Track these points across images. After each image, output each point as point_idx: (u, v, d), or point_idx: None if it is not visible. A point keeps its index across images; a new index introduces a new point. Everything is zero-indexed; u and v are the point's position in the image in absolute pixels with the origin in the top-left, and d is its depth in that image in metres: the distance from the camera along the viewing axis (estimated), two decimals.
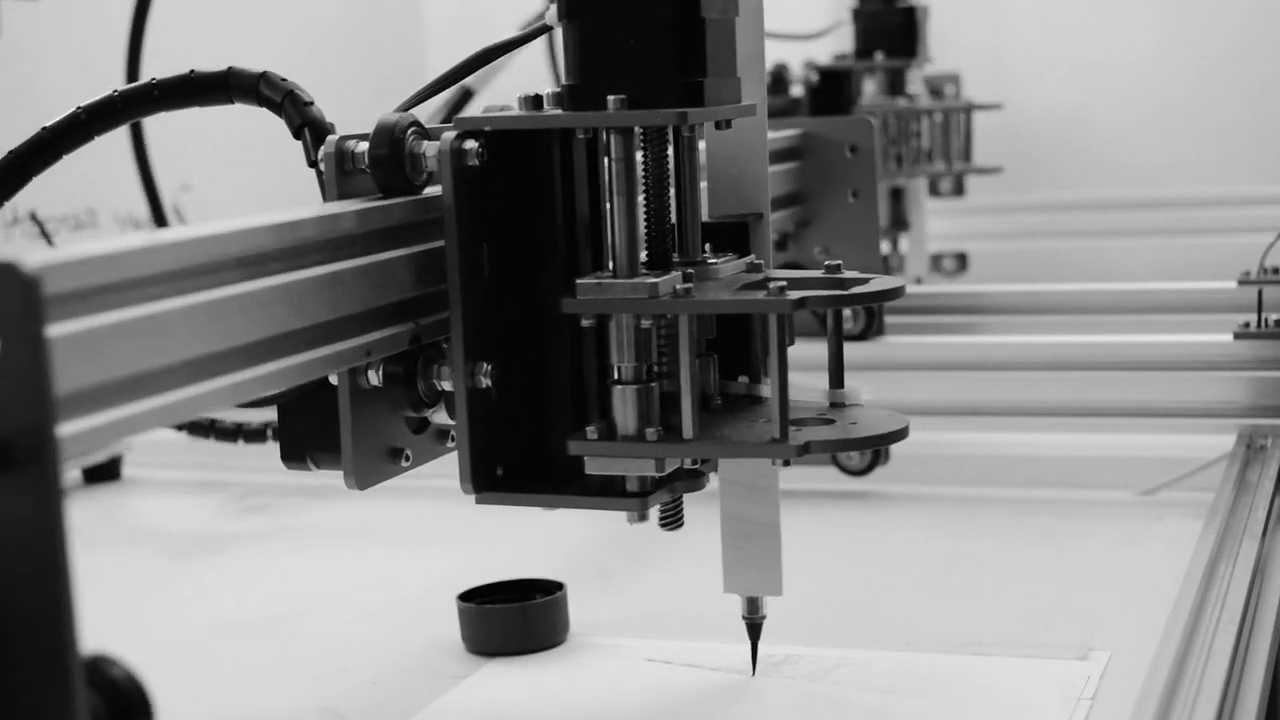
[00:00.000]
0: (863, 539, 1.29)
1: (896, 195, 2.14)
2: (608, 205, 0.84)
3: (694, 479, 0.86)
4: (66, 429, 0.57)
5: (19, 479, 0.52)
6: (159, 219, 1.65)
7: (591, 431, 0.80)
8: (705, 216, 0.91)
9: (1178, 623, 0.91)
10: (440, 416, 0.86)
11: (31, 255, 0.54)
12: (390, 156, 0.83)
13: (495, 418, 0.83)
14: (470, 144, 0.80)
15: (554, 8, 0.82)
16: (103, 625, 0.62)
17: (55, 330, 0.57)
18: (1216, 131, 2.56)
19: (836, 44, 2.36)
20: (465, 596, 1.06)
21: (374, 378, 0.82)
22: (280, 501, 1.49)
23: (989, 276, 2.23)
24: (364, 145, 0.84)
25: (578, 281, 0.80)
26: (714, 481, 0.92)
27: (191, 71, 0.91)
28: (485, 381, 0.81)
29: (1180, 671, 0.85)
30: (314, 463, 0.85)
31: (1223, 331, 1.39)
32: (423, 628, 1.09)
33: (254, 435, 1.37)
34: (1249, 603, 0.97)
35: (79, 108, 0.94)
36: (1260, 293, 1.41)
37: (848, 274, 0.83)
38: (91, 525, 1.42)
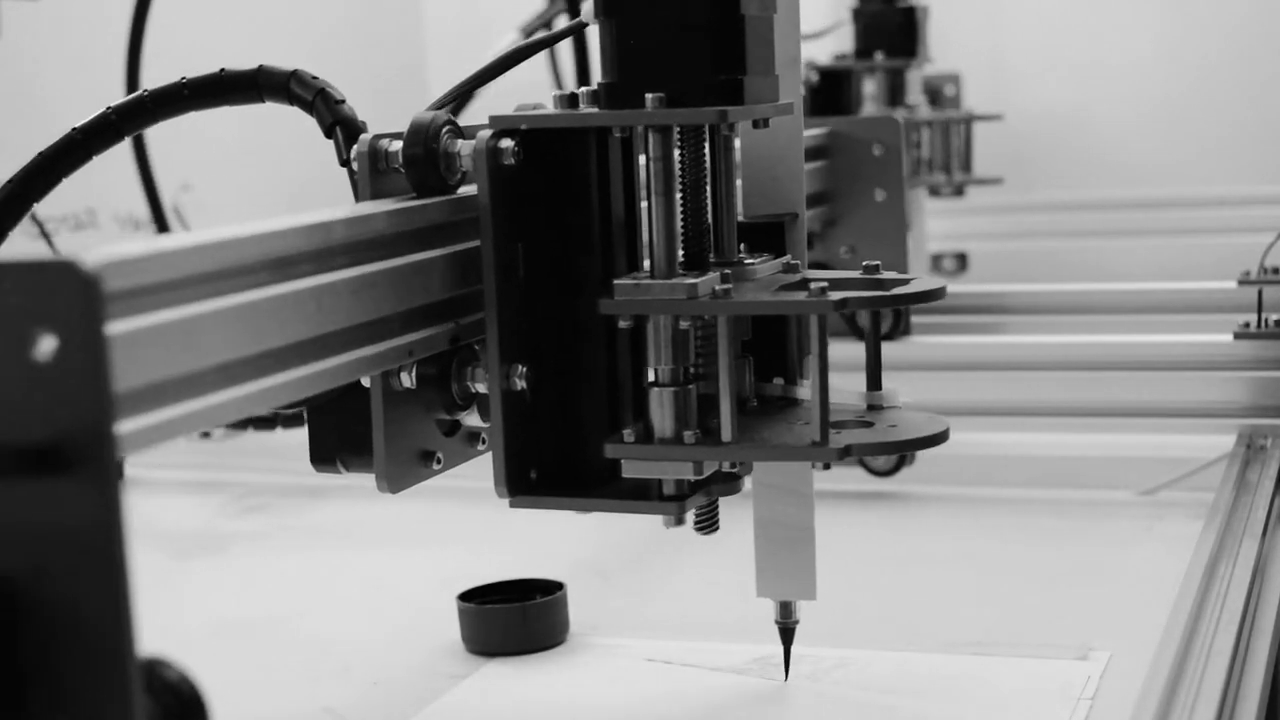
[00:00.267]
0: (861, 539, 1.29)
1: None
2: (643, 205, 0.83)
3: (730, 482, 0.84)
4: (122, 429, 0.57)
5: (78, 479, 0.51)
6: (159, 219, 1.65)
7: (628, 434, 0.79)
8: (740, 216, 0.90)
9: (1178, 623, 0.91)
10: (472, 419, 0.85)
11: (90, 252, 0.53)
12: (425, 156, 0.81)
13: (529, 420, 0.82)
14: (506, 143, 0.79)
15: (590, 5, 0.80)
16: None
17: (113, 329, 0.56)
18: (1216, 131, 2.56)
19: (836, 44, 2.35)
20: (465, 596, 1.06)
21: (407, 379, 0.81)
22: (280, 501, 1.49)
23: (989, 277, 2.23)
24: (397, 144, 0.82)
25: (615, 282, 0.78)
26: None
27: (222, 70, 0.91)
28: (520, 384, 0.80)
29: (1180, 671, 0.85)
30: (344, 466, 0.84)
31: (1223, 331, 1.39)
32: (423, 628, 1.09)
33: (263, 423, 1.36)
34: (1249, 603, 0.97)
35: (109, 108, 0.93)
36: (1260, 293, 1.41)
37: (886, 274, 0.82)
38: None
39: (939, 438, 0.81)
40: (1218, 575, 1.01)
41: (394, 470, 0.82)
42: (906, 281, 0.82)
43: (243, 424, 1.36)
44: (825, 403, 0.77)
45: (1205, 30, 2.58)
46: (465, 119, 0.85)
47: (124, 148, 1.53)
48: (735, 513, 0.92)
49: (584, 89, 0.81)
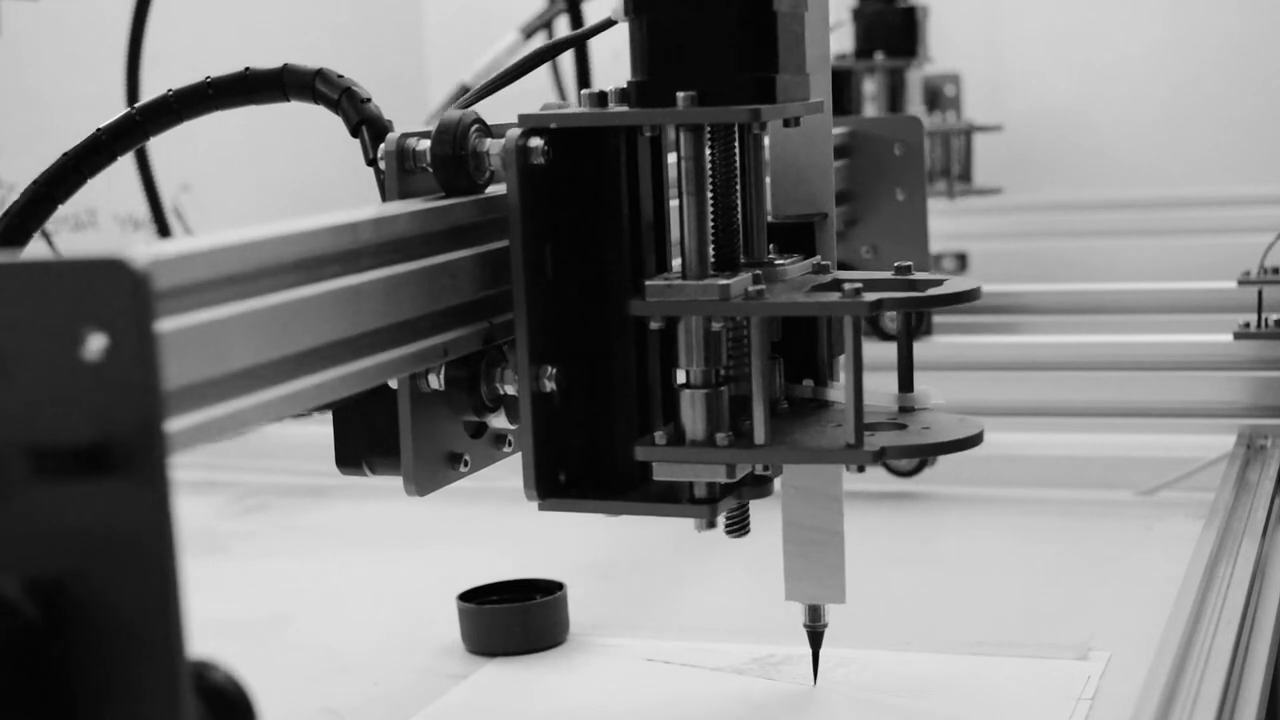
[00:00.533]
0: (861, 539, 1.29)
1: None
2: (673, 204, 0.82)
3: (760, 485, 0.82)
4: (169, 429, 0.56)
5: (128, 480, 0.50)
6: (159, 220, 1.65)
7: (659, 436, 0.77)
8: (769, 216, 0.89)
9: (1178, 623, 0.91)
10: (498, 420, 0.84)
11: (137, 250, 0.53)
12: (453, 155, 0.81)
13: (559, 422, 0.80)
14: (535, 142, 0.77)
15: (620, 2, 0.79)
16: None
17: (162, 326, 0.55)
18: (1216, 132, 2.56)
19: (836, 44, 2.36)
20: (465, 596, 1.06)
21: (435, 381, 0.80)
22: (280, 501, 1.49)
23: (988, 276, 2.23)
24: (425, 143, 0.81)
25: (647, 283, 0.77)
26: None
27: (247, 69, 0.90)
28: (549, 385, 0.79)
29: (1180, 671, 0.85)
30: (370, 468, 0.83)
31: (1223, 331, 1.39)
32: (423, 628, 1.09)
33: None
34: (1249, 603, 0.97)
35: (133, 108, 0.92)
36: (1260, 293, 1.41)
37: (918, 275, 0.81)
38: None
39: (973, 440, 0.79)
40: (1218, 575, 1.01)
41: (422, 473, 0.81)
42: (940, 282, 0.80)
43: None
44: (860, 404, 0.75)
45: (1205, 30, 2.58)
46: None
47: None
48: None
49: (613, 88, 0.80)
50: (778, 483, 0.87)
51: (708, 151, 0.79)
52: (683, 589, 1.19)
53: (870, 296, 0.74)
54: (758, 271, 0.80)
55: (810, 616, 0.94)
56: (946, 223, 2.36)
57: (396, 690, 0.99)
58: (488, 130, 0.82)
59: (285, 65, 0.89)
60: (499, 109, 0.84)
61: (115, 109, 1.63)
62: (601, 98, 0.79)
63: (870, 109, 2.16)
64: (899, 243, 1.46)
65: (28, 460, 0.51)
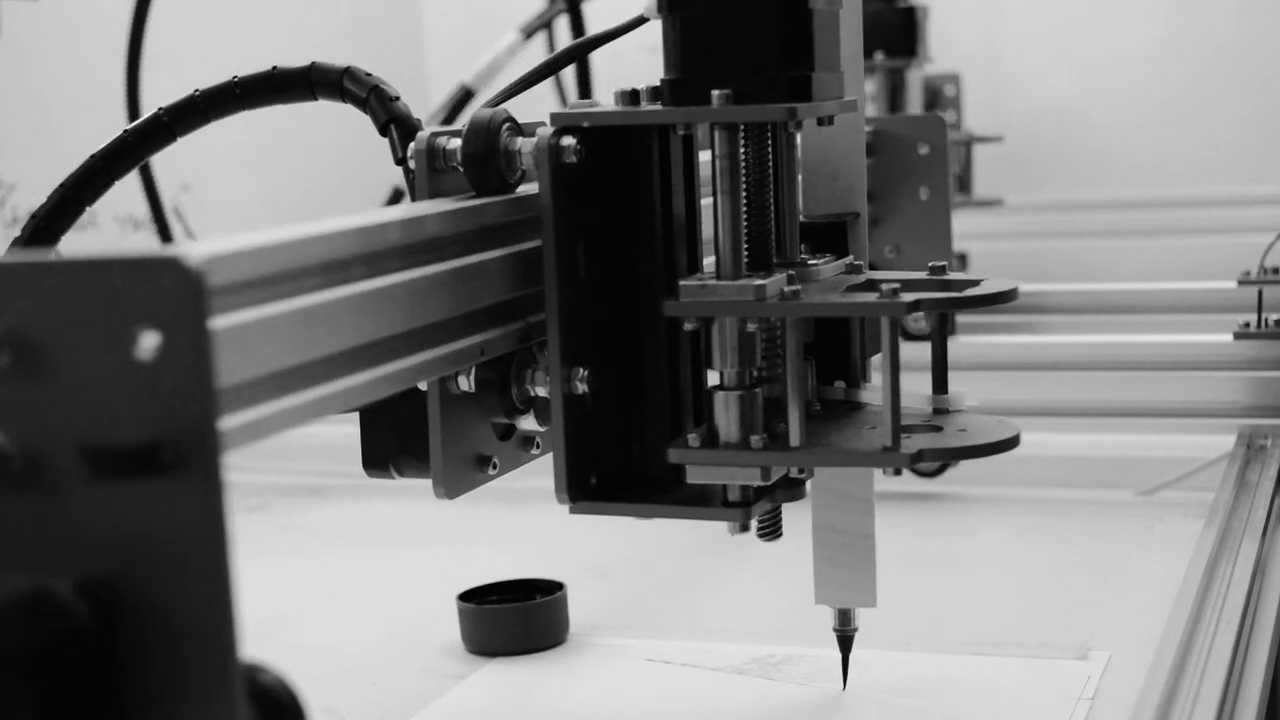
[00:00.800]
0: None
1: None
2: (705, 203, 0.81)
3: (793, 488, 0.81)
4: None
5: (183, 480, 0.50)
6: (159, 220, 1.65)
7: (693, 439, 0.76)
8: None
9: (1178, 623, 0.91)
10: (527, 423, 0.83)
11: (191, 247, 0.52)
12: (485, 154, 0.80)
13: (590, 425, 0.79)
14: (568, 140, 0.76)
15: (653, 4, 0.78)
16: None
17: (217, 324, 0.55)
18: (1216, 131, 2.56)
19: None
20: (465, 596, 1.06)
21: (464, 383, 0.79)
22: (280, 501, 1.49)
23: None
24: (455, 142, 0.80)
25: (681, 283, 0.76)
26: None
27: (274, 68, 0.90)
28: (581, 387, 0.78)
29: (1180, 671, 0.85)
30: (397, 471, 0.82)
31: (1223, 331, 1.39)
32: (423, 628, 1.09)
33: None
34: (1249, 603, 0.97)
35: (160, 109, 0.92)
36: (1260, 293, 1.41)
37: (953, 276, 0.80)
38: None
39: (1011, 442, 0.78)
40: (1218, 575, 1.01)
41: (451, 475, 0.80)
42: (976, 283, 0.79)
43: None
44: (897, 406, 0.74)
45: (1205, 30, 2.58)
46: (464, 119, 0.85)
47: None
48: None
49: (645, 86, 0.79)
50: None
51: (742, 150, 0.78)
52: (683, 589, 1.19)
53: (908, 297, 0.74)
54: (791, 272, 0.79)
55: (840, 621, 0.93)
56: None
57: (396, 690, 0.99)
58: (519, 129, 0.81)
59: (313, 64, 0.88)
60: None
61: (115, 109, 1.63)
62: (634, 96, 0.78)
63: (870, 109, 2.15)
64: (922, 243, 1.45)
65: (80, 461, 0.50)
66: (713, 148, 0.77)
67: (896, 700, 0.93)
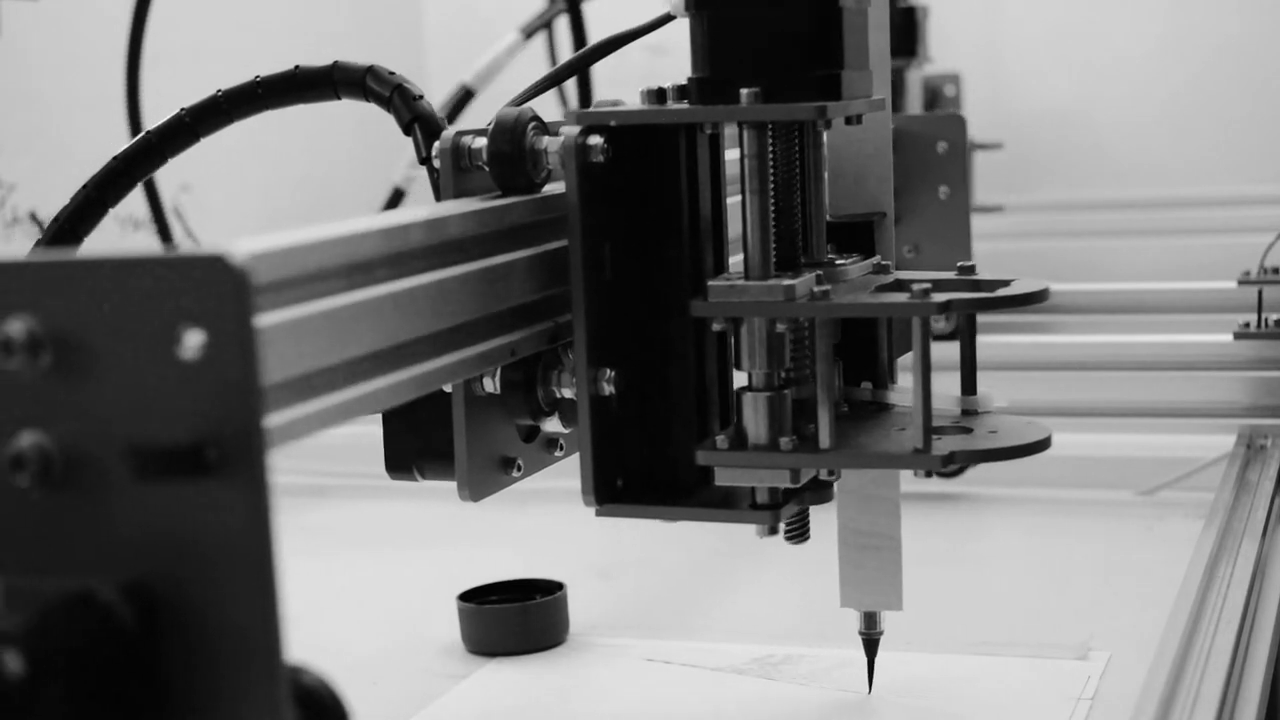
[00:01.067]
0: None
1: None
2: (734, 203, 0.80)
3: (822, 490, 0.80)
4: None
5: (228, 481, 0.49)
6: (159, 220, 1.65)
7: (721, 441, 0.76)
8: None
9: (1178, 623, 0.91)
10: (551, 424, 0.82)
11: (234, 244, 0.52)
12: (511, 153, 0.79)
13: (617, 426, 0.78)
14: (595, 140, 0.76)
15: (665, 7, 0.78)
16: None
17: (263, 322, 0.54)
18: (1217, 131, 2.56)
19: None
20: (465, 596, 1.06)
21: (490, 384, 0.79)
22: (280, 501, 1.49)
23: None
24: (480, 141, 0.80)
25: (709, 283, 0.75)
26: None
27: (297, 68, 0.89)
28: (608, 388, 0.77)
29: (1180, 671, 0.85)
30: (421, 473, 0.82)
31: (1223, 331, 1.39)
32: (423, 628, 1.09)
33: None
34: (1249, 603, 0.97)
35: (182, 109, 0.91)
36: (1260, 293, 1.41)
37: (982, 276, 0.79)
38: None
39: (1042, 444, 0.77)
40: (1218, 575, 1.01)
41: (475, 477, 0.80)
42: (1006, 283, 0.79)
43: None
44: (928, 408, 0.74)
45: (1205, 30, 2.57)
46: (464, 120, 0.85)
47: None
48: None
49: (670, 84, 0.78)
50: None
51: (770, 149, 0.78)
52: (684, 589, 1.19)
53: (940, 297, 0.73)
54: (819, 272, 0.78)
55: (866, 624, 0.92)
56: None
57: (396, 690, 0.99)
58: (545, 128, 0.80)
59: (336, 63, 0.88)
60: (493, 109, 0.84)
61: (115, 109, 1.63)
62: (660, 94, 0.78)
63: None
64: (942, 242, 1.44)
65: (124, 461, 0.50)
66: (741, 147, 0.77)
67: (896, 700, 0.93)
